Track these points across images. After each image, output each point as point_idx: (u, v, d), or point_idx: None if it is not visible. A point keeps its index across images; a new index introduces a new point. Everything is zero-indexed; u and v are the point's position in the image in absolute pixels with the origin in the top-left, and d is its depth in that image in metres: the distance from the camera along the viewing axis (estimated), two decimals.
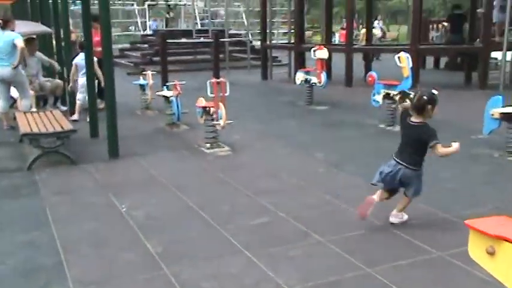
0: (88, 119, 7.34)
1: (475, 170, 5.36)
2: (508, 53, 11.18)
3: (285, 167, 5.61)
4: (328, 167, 5.60)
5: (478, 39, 11.83)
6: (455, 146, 3.73)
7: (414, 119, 3.80)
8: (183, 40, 16.74)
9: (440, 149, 3.71)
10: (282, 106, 9.76)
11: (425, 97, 3.72)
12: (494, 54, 12.06)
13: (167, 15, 29.11)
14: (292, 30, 14.51)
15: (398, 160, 3.86)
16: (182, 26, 27.15)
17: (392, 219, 3.95)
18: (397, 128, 7.24)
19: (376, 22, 20.51)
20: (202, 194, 4.80)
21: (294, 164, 5.82)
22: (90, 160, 5.94)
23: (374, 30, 18.12)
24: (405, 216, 3.97)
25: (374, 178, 3.96)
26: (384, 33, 20.90)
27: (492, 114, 5.82)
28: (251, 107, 9.62)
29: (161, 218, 4.21)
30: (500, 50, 10.84)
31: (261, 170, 5.57)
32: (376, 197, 3.91)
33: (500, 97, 5.82)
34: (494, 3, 11.76)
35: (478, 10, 12.52)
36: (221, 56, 13.87)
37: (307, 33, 22.49)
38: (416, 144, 3.79)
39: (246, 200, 4.61)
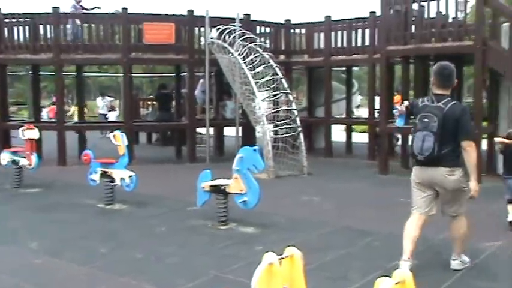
0: None
1: (193, 242, 5.65)
2: (211, 129, 12.47)
3: None
4: (45, 256, 5.14)
5: (184, 117, 12.87)
6: None
7: None
8: None
9: None
10: None
11: None
12: (199, 129, 13.29)
13: None
14: None
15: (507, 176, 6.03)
16: None
17: None
18: (117, 206, 7.27)
19: (100, 98, 20.54)
20: None
21: (2, 257, 5.16)
22: None
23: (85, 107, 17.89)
24: None
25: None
26: (113, 109, 20.68)
27: (203, 187, 6.33)
28: None
29: None
30: (204, 126, 12.03)
31: None
32: None
33: (209, 171, 6.38)
34: (198, 86, 13.09)
35: (183, 90, 13.71)
36: None
37: (12, 109, 20.89)
38: None
39: None
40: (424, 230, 4.56)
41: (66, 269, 4.81)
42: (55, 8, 11.18)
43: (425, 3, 9.60)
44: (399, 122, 5.09)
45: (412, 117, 4.72)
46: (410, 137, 10.78)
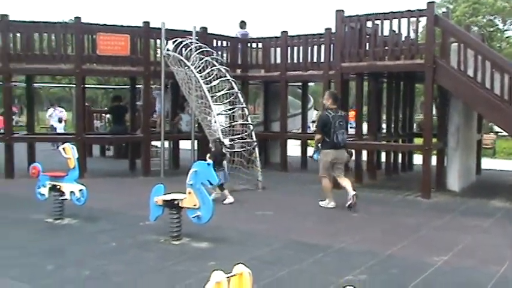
0: None
1: (144, 258, 5.50)
2: (166, 142, 12.29)
3: None
4: None
5: (139, 129, 12.63)
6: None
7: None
8: None
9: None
10: None
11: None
12: (154, 143, 13.07)
13: None
14: None
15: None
16: None
17: None
18: (66, 221, 7.04)
19: (52, 109, 20.01)
20: None
21: None
22: None
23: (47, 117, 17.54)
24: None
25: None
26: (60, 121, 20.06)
27: (156, 202, 6.21)
28: None
29: None
30: (159, 139, 11.85)
31: None
32: None
33: (162, 185, 6.27)
34: (157, 97, 12.86)
35: (138, 103, 13.48)
36: None
37: None
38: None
39: None
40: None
41: (10, 287, 4.60)
42: (4, 16, 10.84)
43: (379, 22, 9.83)
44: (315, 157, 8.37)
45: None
46: (364, 153, 11.13)
